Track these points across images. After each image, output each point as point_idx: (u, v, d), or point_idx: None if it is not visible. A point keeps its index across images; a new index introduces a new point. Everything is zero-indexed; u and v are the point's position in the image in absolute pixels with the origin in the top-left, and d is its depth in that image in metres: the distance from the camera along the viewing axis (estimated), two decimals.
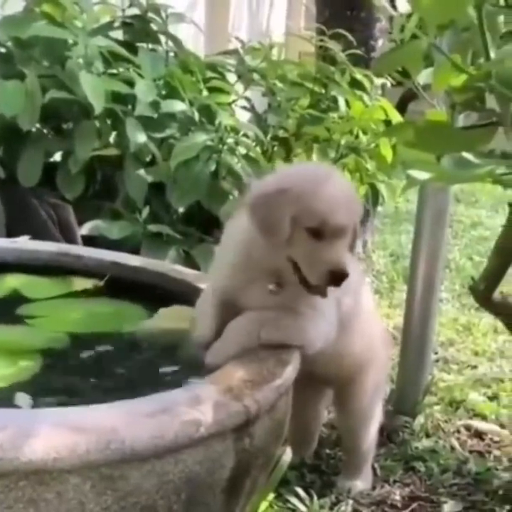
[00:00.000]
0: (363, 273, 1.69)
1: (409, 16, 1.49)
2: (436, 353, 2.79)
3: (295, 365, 1.38)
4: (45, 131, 2.65)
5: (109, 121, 2.60)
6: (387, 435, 2.16)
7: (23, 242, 1.99)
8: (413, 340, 2.36)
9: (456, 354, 2.87)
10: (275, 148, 3.17)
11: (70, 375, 1.33)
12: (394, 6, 1.29)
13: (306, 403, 1.85)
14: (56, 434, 1.02)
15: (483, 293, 1.54)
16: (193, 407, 1.14)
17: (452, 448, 2.17)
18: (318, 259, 1.36)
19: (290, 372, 1.35)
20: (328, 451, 2.07)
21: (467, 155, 1.08)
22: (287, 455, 1.50)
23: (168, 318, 1.61)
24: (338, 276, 1.36)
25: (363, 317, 1.66)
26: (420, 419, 2.27)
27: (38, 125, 2.58)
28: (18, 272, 1.80)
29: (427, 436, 2.21)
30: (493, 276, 1.52)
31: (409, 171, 1.05)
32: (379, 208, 4.61)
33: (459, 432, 2.27)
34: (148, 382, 1.32)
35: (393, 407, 2.32)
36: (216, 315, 1.45)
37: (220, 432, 1.16)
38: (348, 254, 1.44)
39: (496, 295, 1.55)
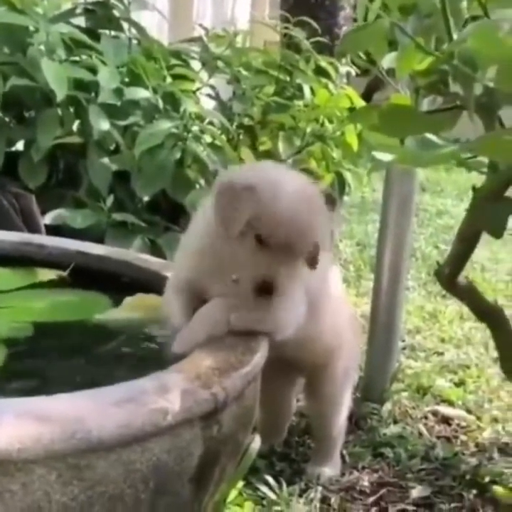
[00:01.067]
0: (330, 260, 1.68)
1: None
2: (403, 341, 2.81)
3: (263, 352, 1.37)
4: (6, 119, 2.60)
5: (71, 109, 2.56)
6: (355, 422, 2.17)
7: None
8: (380, 328, 2.37)
9: (422, 341, 2.89)
10: (241, 137, 3.15)
11: (34, 365, 1.30)
12: None
13: (276, 391, 1.84)
14: (20, 423, 0.99)
15: (448, 277, 1.54)
16: (160, 396, 1.12)
17: (420, 434, 2.18)
18: (254, 264, 1.35)
19: (258, 359, 1.33)
20: (297, 439, 2.07)
21: (431, 136, 1.07)
22: (256, 443, 1.50)
23: (134, 307, 1.59)
24: (264, 288, 1.35)
25: (331, 302, 1.66)
26: (388, 405, 2.28)
27: None
28: None
29: (395, 422, 2.22)
30: (457, 261, 1.52)
31: (373, 153, 1.04)
32: (345, 198, 4.63)
33: (426, 417, 2.28)
34: (114, 371, 1.30)
35: (361, 394, 2.33)
36: (185, 303, 1.43)
37: (188, 419, 1.14)
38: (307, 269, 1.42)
39: (461, 279, 1.55)
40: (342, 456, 1.98)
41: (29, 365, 1.30)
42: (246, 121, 3.24)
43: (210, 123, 2.90)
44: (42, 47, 2.48)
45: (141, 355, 1.38)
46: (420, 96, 1.49)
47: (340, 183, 3.37)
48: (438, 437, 2.18)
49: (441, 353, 2.80)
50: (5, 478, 0.98)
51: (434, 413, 2.31)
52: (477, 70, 1.17)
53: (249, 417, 1.36)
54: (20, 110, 2.62)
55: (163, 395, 1.12)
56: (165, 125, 2.54)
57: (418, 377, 2.50)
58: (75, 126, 2.61)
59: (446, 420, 2.29)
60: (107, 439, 1.04)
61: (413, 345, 2.84)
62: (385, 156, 1.07)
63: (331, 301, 1.65)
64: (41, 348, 1.38)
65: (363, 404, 2.27)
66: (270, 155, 3.16)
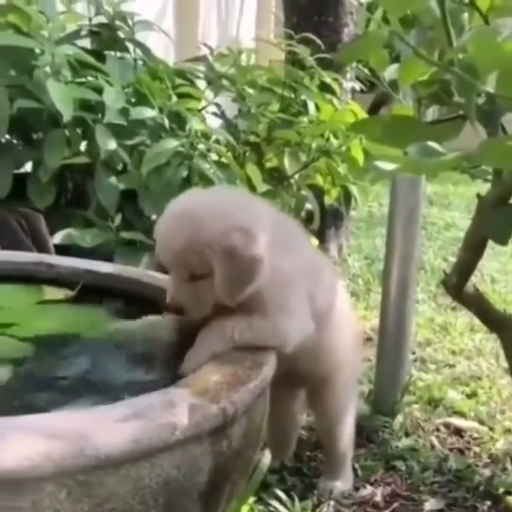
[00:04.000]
0: (336, 274, 1.68)
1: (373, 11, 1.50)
2: (413, 353, 2.81)
3: (271, 365, 1.36)
4: (14, 141, 2.62)
5: (78, 130, 2.58)
6: (366, 435, 2.17)
7: None
8: (389, 341, 2.36)
9: (433, 353, 2.88)
10: (247, 154, 3.17)
11: (41, 381, 1.30)
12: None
13: (282, 405, 1.84)
14: (29, 441, 0.99)
15: (455, 286, 1.55)
16: (168, 411, 1.12)
17: (432, 446, 2.17)
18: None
19: (266, 372, 1.33)
20: (308, 453, 2.06)
21: (433, 144, 1.08)
22: (266, 458, 1.49)
23: (143, 327, 1.59)
24: (172, 310, 1.41)
25: (338, 315, 1.66)
26: (399, 418, 2.28)
27: (7, 136, 2.55)
28: None
29: (407, 435, 2.22)
30: (464, 270, 1.53)
31: (375, 163, 1.04)
32: (353, 212, 4.65)
33: (438, 430, 2.27)
34: (122, 387, 1.30)
35: (372, 407, 2.32)
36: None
37: (197, 435, 1.14)
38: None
39: (469, 288, 1.55)
40: (354, 470, 1.98)
41: (35, 382, 1.30)
42: (252, 138, 3.26)
43: (216, 141, 2.91)
44: (48, 69, 2.50)
45: (148, 371, 1.37)
46: (423, 106, 1.50)
47: (347, 198, 3.38)
48: (450, 449, 2.18)
49: (453, 365, 2.79)
50: (15, 496, 0.98)
51: (446, 425, 2.30)
52: (478, 78, 1.18)
53: (258, 432, 1.36)
54: (27, 132, 2.63)
55: (171, 410, 1.12)
56: (171, 144, 2.55)
57: (429, 389, 2.50)
58: (83, 146, 2.62)
59: (458, 432, 2.28)
60: (116, 455, 1.04)
61: (424, 357, 2.83)
62: (387, 165, 1.07)
63: (337, 315, 1.65)
64: (47, 365, 1.38)
65: (374, 417, 2.26)
66: (276, 171, 3.18)
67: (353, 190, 3.39)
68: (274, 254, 1.38)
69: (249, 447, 1.32)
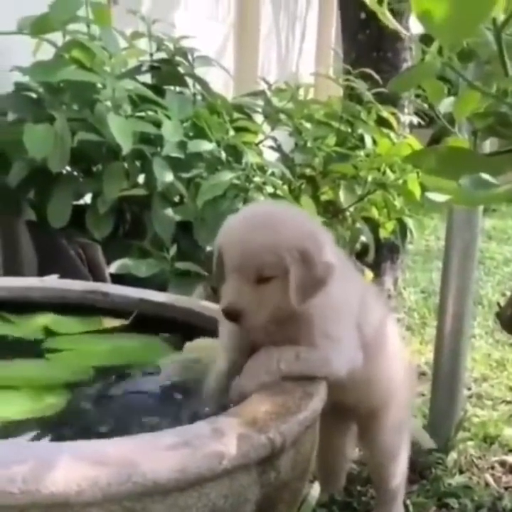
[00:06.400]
0: (387, 306, 1.66)
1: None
2: (469, 389, 2.76)
3: (322, 396, 1.35)
4: (75, 173, 2.69)
5: (137, 162, 2.64)
6: (419, 472, 2.12)
7: (51, 281, 2.01)
8: (444, 376, 2.33)
9: (489, 390, 2.82)
10: (302, 186, 3.18)
11: (94, 408, 1.32)
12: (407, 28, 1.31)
13: (332, 438, 1.82)
14: (77, 466, 1.01)
15: (509, 318, 1.52)
16: (216, 440, 1.12)
17: (486, 484, 2.12)
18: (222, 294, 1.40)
19: (316, 404, 1.32)
20: (359, 488, 2.03)
21: (486, 176, 1.06)
22: (315, 491, 1.48)
23: (194, 352, 1.60)
24: (227, 315, 1.37)
25: (388, 348, 1.64)
26: (453, 455, 2.23)
27: (68, 167, 2.62)
28: (46, 310, 1.81)
29: (461, 472, 2.17)
30: None
31: (427, 194, 1.04)
32: (410, 246, 4.61)
33: (493, 467, 2.22)
34: (172, 415, 1.31)
35: None
36: (232, 347, 1.45)
37: (244, 464, 1.14)
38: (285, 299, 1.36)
39: None
40: (406, 507, 1.94)
41: (87, 409, 1.32)
42: (308, 171, 3.28)
43: (272, 174, 2.94)
44: (108, 103, 2.57)
45: (198, 400, 1.38)
46: (479, 139, 1.49)
47: (402, 231, 3.36)
48: (506, 488, 2.12)
49: (509, 402, 2.72)
50: None
51: (502, 463, 2.25)
52: None
53: (307, 463, 1.35)
54: (88, 164, 2.70)
55: (219, 439, 1.12)
56: (227, 176, 2.58)
57: (485, 426, 2.44)
58: (141, 178, 2.68)
59: None
60: (163, 482, 1.04)
61: (480, 393, 2.77)
62: (439, 197, 1.07)
63: (387, 347, 1.64)
64: (100, 392, 1.40)
65: (428, 453, 2.22)
66: (331, 204, 3.18)
67: (409, 223, 3.37)
68: None
69: (298, 479, 1.31)
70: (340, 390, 1.43)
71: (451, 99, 1.48)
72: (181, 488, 1.07)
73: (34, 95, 2.67)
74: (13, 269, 2.54)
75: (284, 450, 1.21)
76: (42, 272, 2.33)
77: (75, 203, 2.57)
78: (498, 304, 1.53)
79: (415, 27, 1.11)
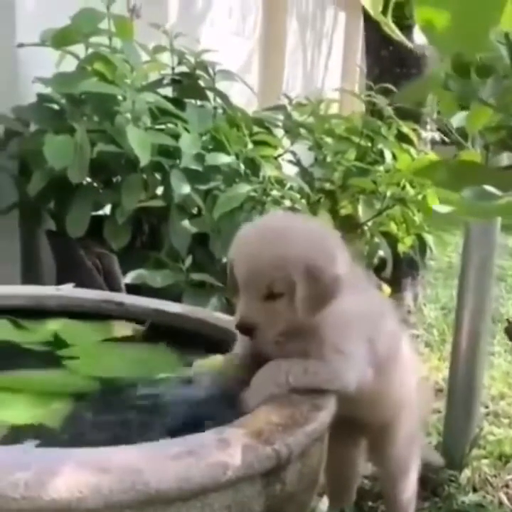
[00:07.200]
0: (402, 321, 1.65)
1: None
2: (486, 407, 2.73)
3: (330, 410, 1.34)
4: (94, 184, 2.71)
5: (156, 174, 2.65)
6: (432, 489, 2.10)
7: (67, 290, 2.02)
8: (459, 393, 2.31)
9: (507, 408, 2.79)
10: (321, 201, 3.18)
11: (99, 417, 1.33)
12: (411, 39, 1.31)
13: (342, 452, 1.81)
14: (80, 473, 1.01)
15: None
16: (221, 450, 1.12)
17: (500, 503, 2.09)
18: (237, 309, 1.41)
19: (324, 417, 1.31)
20: (370, 503, 2.01)
21: (490, 188, 1.06)
22: (324, 504, 1.47)
23: (205, 367, 1.60)
24: (241, 330, 1.39)
25: (399, 363, 1.63)
26: (467, 472, 2.21)
27: (87, 178, 2.64)
28: (61, 317, 1.82)
29: (474, 490, 2.14)
30: None
31: (433, 206, 1.03)
32: (432, 262, 4.59)
33: (507, 486, 2.19)
34: (177, 425, 1.31)
35: None
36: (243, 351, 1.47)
37: (249, 475, 1.13)
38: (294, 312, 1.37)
39: None
40: None
41: (93, 417, 1.33)
42: (327, 185, 3.28)
43: (291, 187, 2.94)
44: (128, 115, 2.58)
45: (205, 411, 1.38)
46: (491, 153, 1.49)
47: (422, 247, 3.34)
48: None
49: None
50: None
51: None
52: None
53: (314, 477, 1.34)
54: (107, 175, 2.71)
55: (224, 450, 1.12)
56: (244, 189, 2.59)
57: (501, 444, 2.41)
58: (159, 190, 2.69)
59: None
60: (166, 491, 1.04)
61: (497, 411, 2.74)
62: (443, 208, 1.06)
63: (400, 362, 1.63)
64: (107, 401, 1.40)
65: (441, 470, 2.20)
66: (350, 219, 3.18)
67: (429, 239, 3.36)
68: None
69: (304, 491, 1.30)
70: (350, 403, 1.42)
71: (464, 113, 1.47)
72: (184, 497, 1.06)
73: (56, 106, 2.70)
74: (32, 278, 2.57)
75: (290, 462, 1.20)
76: (59, 281, 2.35)
77: (93, 213, 2.59)
78: (508, 320, 1.52)
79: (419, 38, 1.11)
